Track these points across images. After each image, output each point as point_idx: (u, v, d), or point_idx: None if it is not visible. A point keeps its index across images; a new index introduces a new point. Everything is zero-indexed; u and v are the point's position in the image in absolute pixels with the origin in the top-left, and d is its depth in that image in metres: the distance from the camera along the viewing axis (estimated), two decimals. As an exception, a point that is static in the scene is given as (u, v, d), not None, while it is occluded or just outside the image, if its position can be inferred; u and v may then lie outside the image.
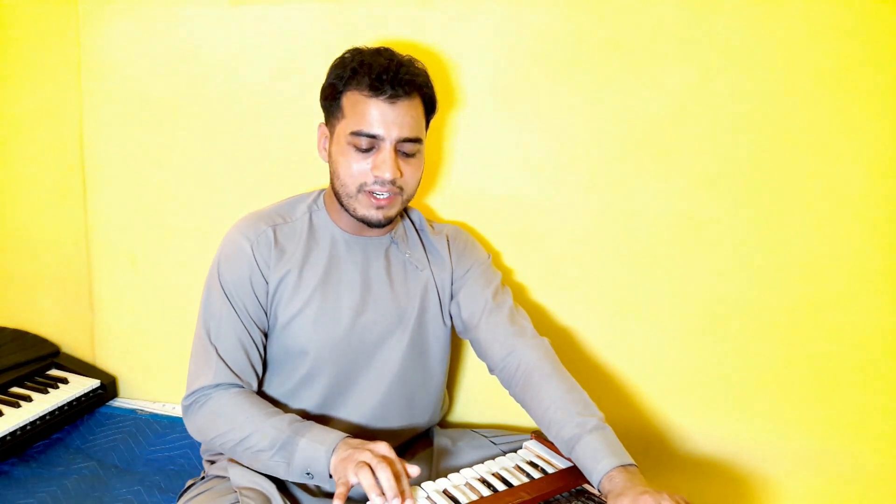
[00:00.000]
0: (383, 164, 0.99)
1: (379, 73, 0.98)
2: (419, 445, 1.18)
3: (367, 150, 1.00)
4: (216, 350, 1.01)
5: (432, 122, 1.11)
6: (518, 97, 1.25)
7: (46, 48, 1.48)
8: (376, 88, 0.98)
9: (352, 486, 0.85)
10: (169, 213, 1.46)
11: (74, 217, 1.53)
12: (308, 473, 0.92)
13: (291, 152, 1.36)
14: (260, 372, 1.06)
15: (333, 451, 0.90)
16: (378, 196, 1.01)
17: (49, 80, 1.49)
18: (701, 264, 1.24)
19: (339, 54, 1.29)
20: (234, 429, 0.96)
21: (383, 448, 0.88)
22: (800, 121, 1.16)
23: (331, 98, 1.04)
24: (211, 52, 1.38)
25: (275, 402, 1.08)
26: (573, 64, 1.22)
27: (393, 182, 1.00)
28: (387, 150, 0.99)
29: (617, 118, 1.22)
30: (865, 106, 1.14)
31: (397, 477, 0.85)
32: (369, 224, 1.04)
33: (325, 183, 1.15)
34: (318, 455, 0.90)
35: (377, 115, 0.98)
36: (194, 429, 1.02)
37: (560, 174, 1.27)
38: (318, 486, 1.01)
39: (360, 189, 1.01)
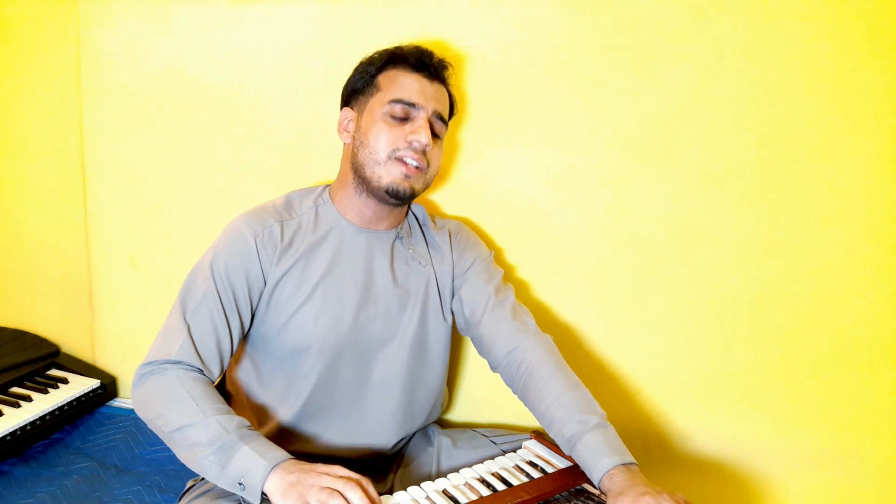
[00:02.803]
0: (420, 130, 1.03)
1: (420, 55, 1.06)
2: (419, 445, 1.18)
3: (403, 120, 1.04)
4: (188, 328, 0.98)
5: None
6: (520, 95, 1.25)
7: (47, 48, 1.48)
8: (419, 65, 1.05)
9: None
10: (169, 214, 1.46)
11: (74, 217, 1.53)
12: (240, 484, 0.85)
13: (291, 152, 1.36)
14: (225, 363, 1.01)
15: (274, 468, 0.84)
16: (409, 163, 1.03)
17: (49, 79, 1.49)
18: (702, 263, 1.24)
19: (338, 54, 1.30)
20: (178, 413, 0.91)
21: (342, 469, 0.85)
22: (800, 121, 1.16)
23: (361, 80, 1.08)
24: (211, 52, 1.38)
25: (277, 399, 1.08)
26: (574, 63, 1.22)
27: (424, 152, 1.03)
28: (423, 118, 1.04)
29: (618, 116, 1.22)
30: (866, 106, 1.13)
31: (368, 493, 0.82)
32: (394, 194, 1.03)
33: (327, 179, 1.16)
34: (256, 467, 0.84)
35: (417, 86, 1.04)
36: (139, 400, 0.96)
37: (562, 171, 1.27)
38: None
39: (391, 155, 1.03)
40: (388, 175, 1.03)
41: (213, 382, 0.99)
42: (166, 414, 0.92)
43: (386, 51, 1.09)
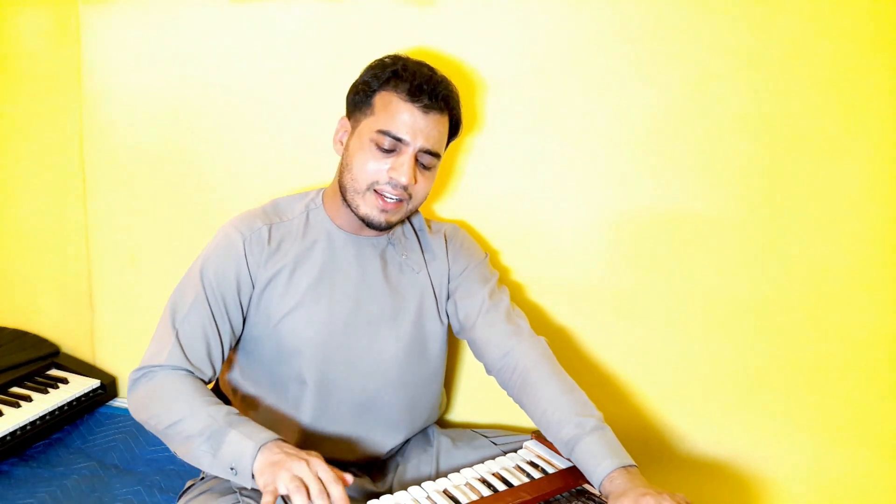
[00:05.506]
0: (401, 168, 1.00)
1: (421, 81, 1.00)
2: (419, 445, 1.17)
3: (388, 152, 1.01)
4: (176, 333, 0.99)
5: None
6: (518, 96, 1.25)
7: (47, 48, 1.48)
8: (414, 95, 0.99)
9: (279, 497, 0.80)
10: (169, 214, 1.46)
11: (74, 217, 1.53)
12: (232, 469, 0.86)
13: (291, 152, 1.36)
14: (218, 368, 1.03)
15: (261, 448, 0.85)
16: (387, 198, 1.01)
17: (50, 79, 1.49)
18: (700, 264, 1.24)
19: (338, 54, 1.30)
20: (170, 410, 0.92)
21: (319, 464, 0.83)
22: (800, 120, 1.16)
23: (362, 94, 1.04)
24: (211, 52, 1.38)
25: (270, 404, 1.08)
26: (573, 63, 1.22)
27: (405, 188, 1.01)
28: (408, 154, 1.00)
29: (617, 117, 1.22)
30: (866, 106, 1.14)
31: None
32: (369, 225, 1.04)
33: (326, 182, 1.16)
34: (244, 450, 0.85)
35: (408, 119, 0.99)
36: (133, 405, 0.98)
37: (560, 173, 1.27)
38: (242, 488, 0.96)
39: (371, 187, 1.02)
40: (365, 206, 1.03)
41: (206, 384, 1.00)
42: (160, 413, 0.94)
43: (389, 65, 1.03)
